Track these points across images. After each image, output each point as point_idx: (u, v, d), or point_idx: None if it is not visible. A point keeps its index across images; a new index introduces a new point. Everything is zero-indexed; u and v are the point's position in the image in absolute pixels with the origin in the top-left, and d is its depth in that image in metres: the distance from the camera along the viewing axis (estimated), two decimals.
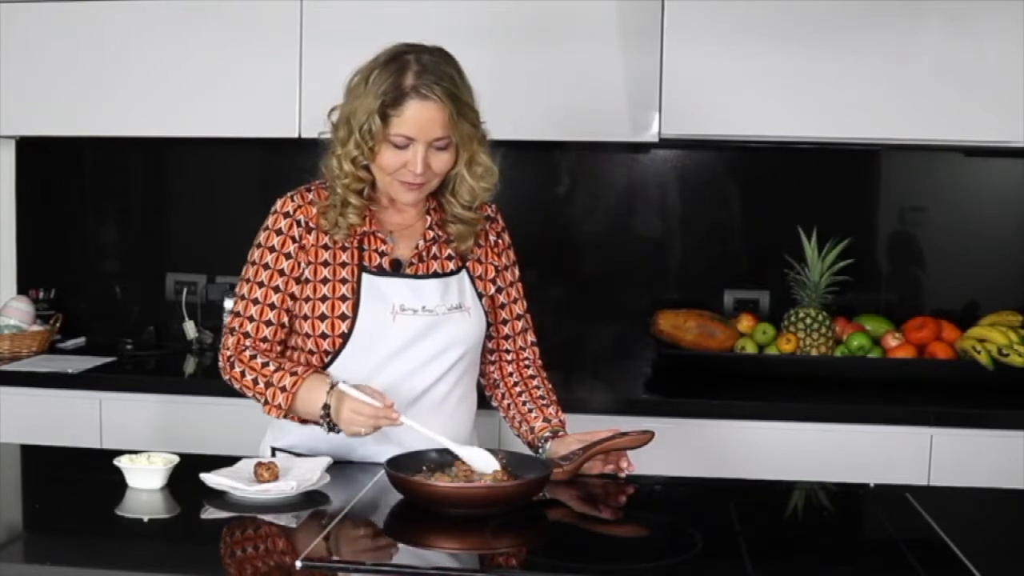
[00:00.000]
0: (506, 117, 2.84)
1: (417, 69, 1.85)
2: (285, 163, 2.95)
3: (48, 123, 3.15)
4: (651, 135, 2.91)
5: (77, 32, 3.08)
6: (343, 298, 1.94)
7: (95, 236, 3.47)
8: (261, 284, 1.96)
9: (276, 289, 1.95)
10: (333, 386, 1.86)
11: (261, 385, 1.92)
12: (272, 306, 1.96)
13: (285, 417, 1.93)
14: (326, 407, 1.85)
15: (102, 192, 3.47)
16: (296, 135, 2.97)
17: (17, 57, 3.10)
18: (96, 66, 3.07)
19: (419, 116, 1.85)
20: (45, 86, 3.10)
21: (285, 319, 1.97)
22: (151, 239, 3.47)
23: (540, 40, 2.92)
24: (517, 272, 2.13)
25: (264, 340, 1.97)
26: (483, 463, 1.79)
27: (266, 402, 1.92)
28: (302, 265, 1.95)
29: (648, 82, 2.88)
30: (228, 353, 1.98)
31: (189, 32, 3.04)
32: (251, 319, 1.96)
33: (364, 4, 2.94)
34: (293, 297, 1.96)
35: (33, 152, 3.46)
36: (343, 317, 1.94)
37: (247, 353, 1.96)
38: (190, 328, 3.32)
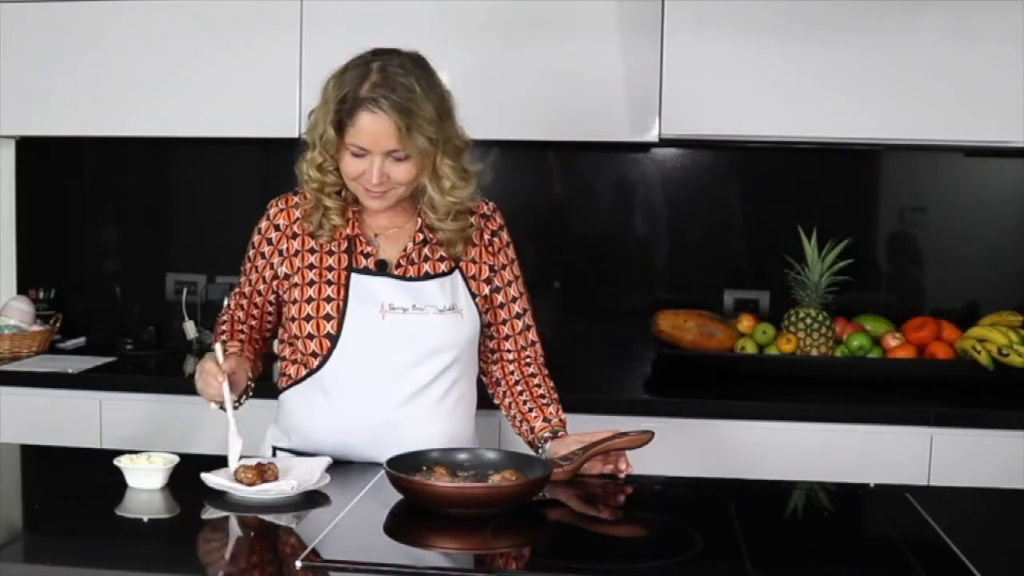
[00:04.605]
0: (506, 117, 2.84)
1: (375, 79, 1.83)
2: (285, 163, 2.93)
3: (48, 123, 3.15)
4: (651, 135, 2.91)
5: (77, 32, 3.08)
6: (328, 299, 1.94)
7: (95, 236, 3.47)
8: (242, 273, 2.08)
9: (249, 282, 2.06)
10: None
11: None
12: (243, 295, 2.08)
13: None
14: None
15: (102, 192, 3.47)
16: (296, 135, 2.97)
17: (17, 57, 3.10)
18: (96, 66, 3.07)
19: (370, 128, 1.83)
20: (45, 86, 3.10)
21: (255, 311, 2.07)
22: (151, 239, 3.47)
23: (540, 39, 2.91)
24: (517, 270, 2.10)
25: (240, 321, 2.09)
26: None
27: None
28: (275, 266, 2.01)
29: (648, 82, 2.88)
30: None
31: (189, 32, 3.04)
32: (230, 306, 2.11)
33: (364, 3, 2.93)
34: (259, 293, 2.05)
35: (33, 152, 3.46)
36: (327, 317, 1.94)
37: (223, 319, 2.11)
38: (190, 328, 3.32)
